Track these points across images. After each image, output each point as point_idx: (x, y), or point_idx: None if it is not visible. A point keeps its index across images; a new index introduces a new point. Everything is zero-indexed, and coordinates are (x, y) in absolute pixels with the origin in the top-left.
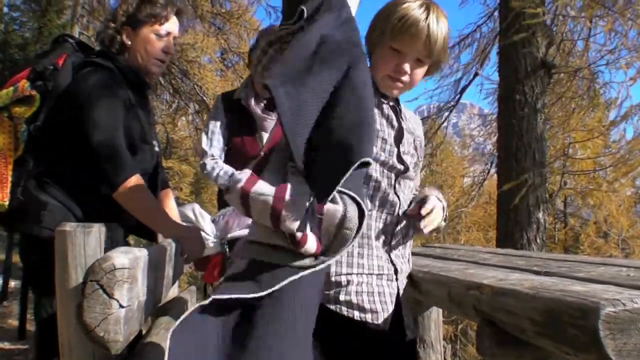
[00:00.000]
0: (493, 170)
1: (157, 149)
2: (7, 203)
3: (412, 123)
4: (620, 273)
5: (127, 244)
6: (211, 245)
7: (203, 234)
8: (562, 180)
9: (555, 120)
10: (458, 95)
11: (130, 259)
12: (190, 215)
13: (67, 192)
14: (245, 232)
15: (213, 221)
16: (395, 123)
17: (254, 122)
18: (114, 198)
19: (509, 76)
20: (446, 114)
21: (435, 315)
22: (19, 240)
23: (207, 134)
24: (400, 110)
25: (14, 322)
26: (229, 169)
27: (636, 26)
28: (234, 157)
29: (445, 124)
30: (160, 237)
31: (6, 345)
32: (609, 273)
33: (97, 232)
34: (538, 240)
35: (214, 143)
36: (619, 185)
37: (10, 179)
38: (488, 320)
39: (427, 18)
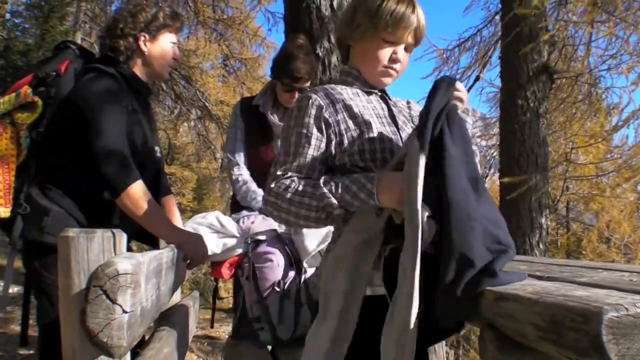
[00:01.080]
0: (491, 173)
1: (159, 154)
2: (9, 209)
3: (403, 106)
4: (622, 278)
5: (130, 249)
6: (239, 250)
7: (230, 239)
8: (565, 186)
9: (557, 126)
10: None
11: (133, 264)
12: (215, 223)
13: (70, 198)
14: (268, 234)
15: (237, 222)
16: (386, 112)
17: (270, 129)
18: (117, 204)
19: (510, 81)
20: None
21: None
22: (21, 246)
23: (229, 142)
24: (389, 97)
25: (17, 328)
26: (250, 190)
27: (638, 31)
28: (248, 162)
29: None
30: (162, 243)
31: (9, 351)
32: (612, 278)
33: (100, 237)
34: (541, 246)
35: (237, 150)
36: (622, 190)
37: (12, 185)
38: (490, 325)
39: (413, 10)
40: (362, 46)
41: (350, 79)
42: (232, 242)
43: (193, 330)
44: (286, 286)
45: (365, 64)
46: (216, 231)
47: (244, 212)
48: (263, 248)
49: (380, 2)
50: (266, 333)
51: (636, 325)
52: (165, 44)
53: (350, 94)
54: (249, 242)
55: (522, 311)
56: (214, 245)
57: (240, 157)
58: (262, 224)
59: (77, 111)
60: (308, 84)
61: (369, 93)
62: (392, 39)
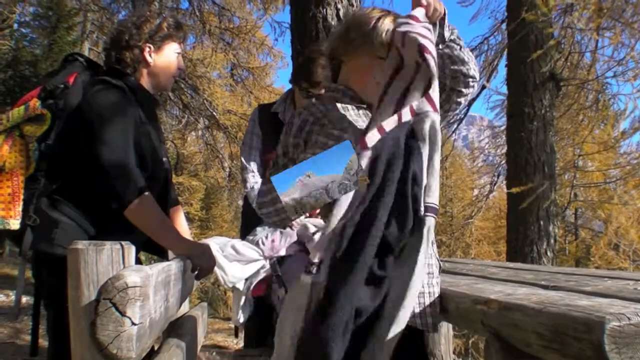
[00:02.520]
0: (499, 181)
1: (167, 166)
2: (19, 221)
3: None
4: (627, 287)
5: (138, 260)
6: (263, 273)
7: (252, 265)
8: (572, 193)
9: (564, 133)
10: (466, 108)
11: (142, 277)
12: (233, 252)
13: (79, 209)
14: (292, 249)
15: (257, 244)
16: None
17: None
18: (125, 215)
19: (517, 89)
20: (454, 126)
21: (445, 330)
22: (31, 257)
23: (244, 148)
24: None
25: (27, 338)
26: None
27: None
28: (263, 168)
29: (454, 136)
30: (171, 254)
31: None
32: (616, 287)
33: (109, 250)
34: (549, 253)
35: (251, 157)
36: (630, 197)
37: (22, 197)
38: (496, 335)
39: None
40: (355, 61)
41: (339, 94)
42: (255, 267)
43: (202, 340)
44: None
45: (357, 79)
46: (236, 260)
47: (258, 230)
48: (290, 267)
49: (376, 21)
50: None
51: (638, 334)
52: (170, 54)
53: (340, 109)
54: (274, 262)
55: (526, 321)
56: (239, 272)
57: (255, 165)
58: (283, 241)
59: (85, 123)
60: None
61: (358, 107)
62: (387, 55)
